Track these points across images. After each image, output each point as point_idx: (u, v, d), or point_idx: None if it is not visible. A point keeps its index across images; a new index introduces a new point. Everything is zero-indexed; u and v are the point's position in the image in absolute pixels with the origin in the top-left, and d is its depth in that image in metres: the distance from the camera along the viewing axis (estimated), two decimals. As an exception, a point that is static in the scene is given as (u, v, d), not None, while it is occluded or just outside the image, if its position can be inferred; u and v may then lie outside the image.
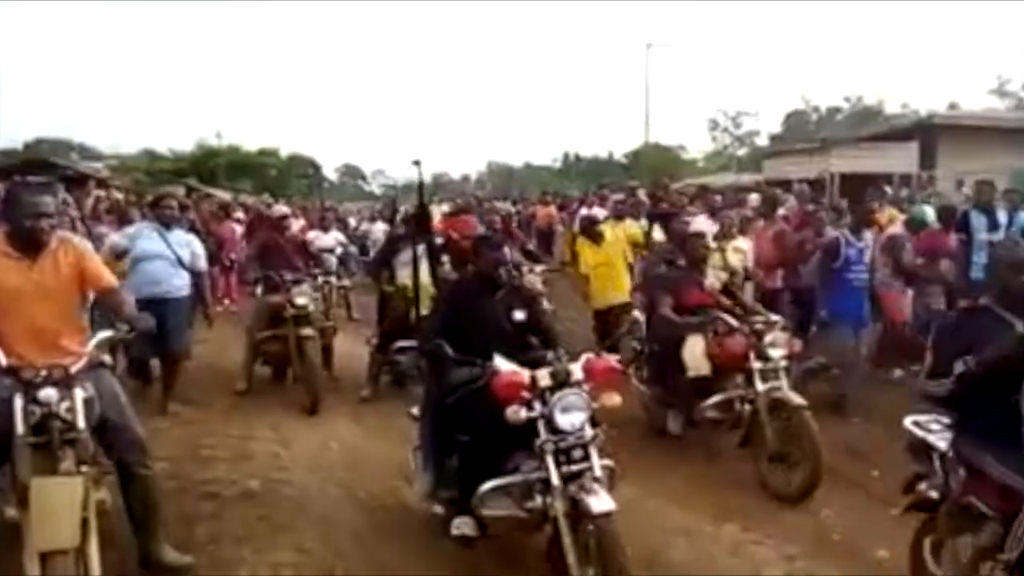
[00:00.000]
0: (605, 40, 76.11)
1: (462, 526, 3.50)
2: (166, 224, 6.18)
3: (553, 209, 17.04)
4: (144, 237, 6.13)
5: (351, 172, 63.29)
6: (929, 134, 17.57)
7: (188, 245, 6.27)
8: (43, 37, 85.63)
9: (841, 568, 3.89)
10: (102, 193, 15.13)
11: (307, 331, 6.44)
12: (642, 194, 11.40)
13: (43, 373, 2.99)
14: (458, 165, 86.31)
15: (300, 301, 6.46)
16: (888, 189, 11.28)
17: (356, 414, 6.39)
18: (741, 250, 7.47)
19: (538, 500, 3.32)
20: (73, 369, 3.06)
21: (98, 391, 3.19)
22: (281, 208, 8.98)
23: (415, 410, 4.12)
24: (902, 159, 16.69)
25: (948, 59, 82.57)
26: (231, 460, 5.10)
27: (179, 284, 6.10)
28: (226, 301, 11.49)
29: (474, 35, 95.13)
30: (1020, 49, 51.62)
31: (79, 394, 3.03)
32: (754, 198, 10.85)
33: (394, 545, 3.97)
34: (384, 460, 5.20)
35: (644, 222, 8.61)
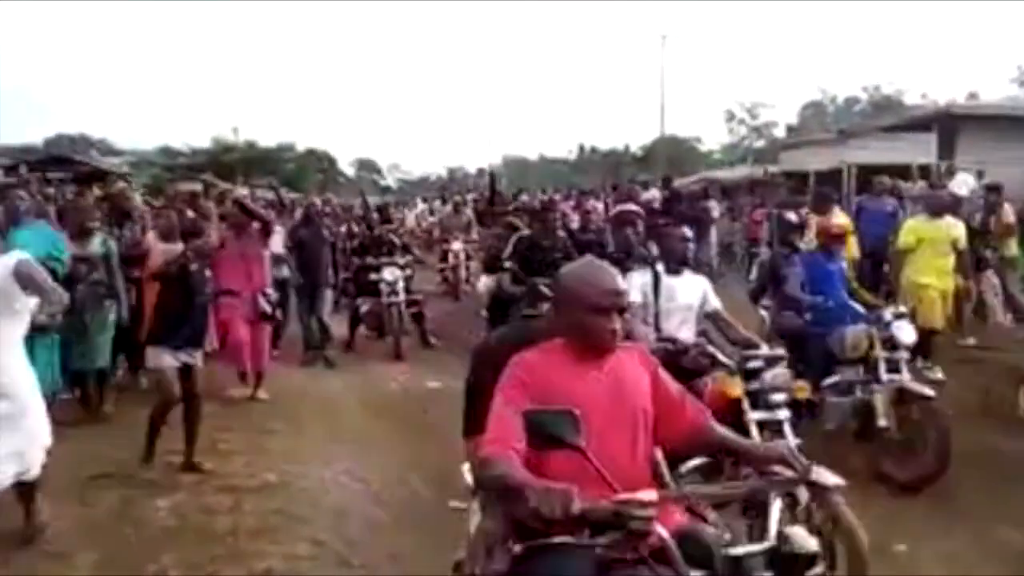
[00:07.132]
0: (620, 32, 75.87)
1: None
2: None
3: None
4: None
5: (366, 166, 63.43)
6: (948, 124, 17.32)
7: None
8: (62, 35, 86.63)
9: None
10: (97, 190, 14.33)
11: None
12: (655, 190, 11.29)
13: None
14: (473, 159, 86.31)
15: None
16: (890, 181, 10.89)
17: (373, 408, 6.46)
18: None
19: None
20: None
21: None
22: None
23: None
24: (921, 150, 16.49)
25: (968, 48, 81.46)
26: (248, 453, 5.18)
27: None
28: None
29: (489, 28, 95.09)
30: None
31: None
32: None
33: (408, 535, 4.02)
34: (398, 452, 5.28)
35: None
